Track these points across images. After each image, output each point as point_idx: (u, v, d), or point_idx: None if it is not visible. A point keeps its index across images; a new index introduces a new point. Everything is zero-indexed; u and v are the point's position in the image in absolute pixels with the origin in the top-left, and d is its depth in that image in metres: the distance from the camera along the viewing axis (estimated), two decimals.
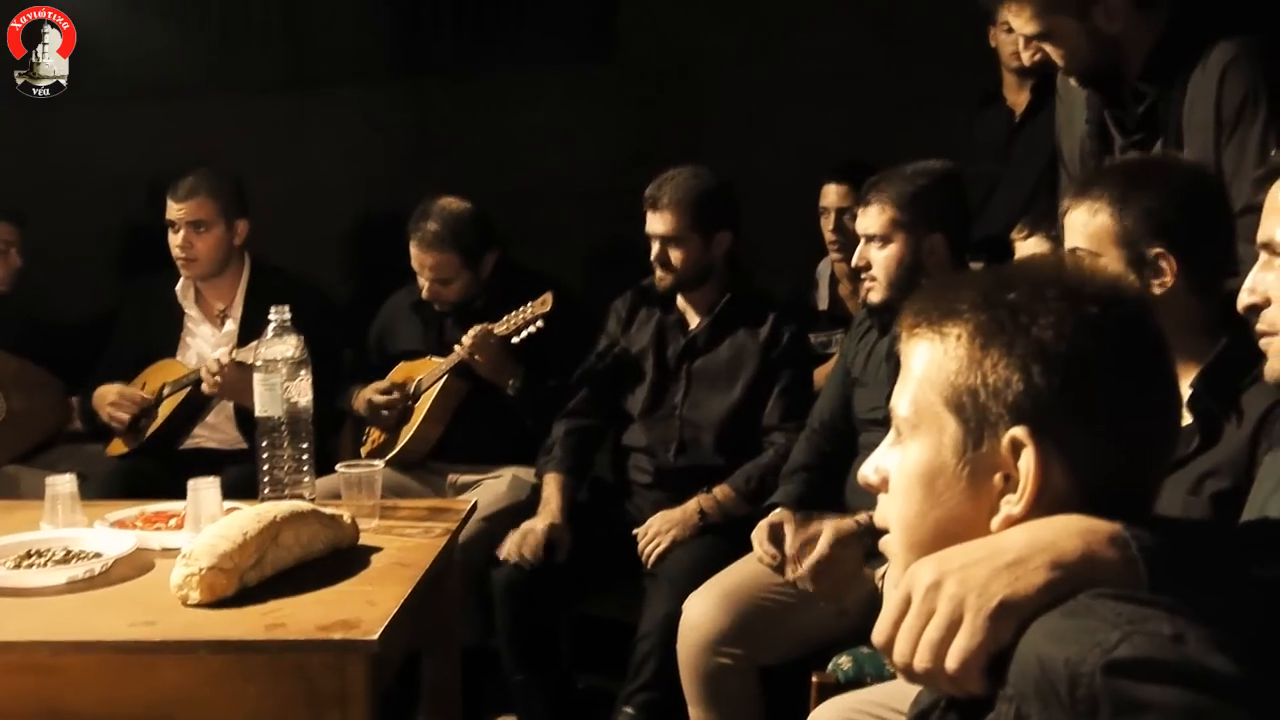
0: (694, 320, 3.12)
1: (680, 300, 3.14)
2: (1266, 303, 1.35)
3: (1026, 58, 2.99)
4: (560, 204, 4.20)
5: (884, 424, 2.61)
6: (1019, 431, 0.98)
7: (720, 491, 2.93)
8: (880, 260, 2.63)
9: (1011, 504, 0.99)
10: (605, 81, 4.32)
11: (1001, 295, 1.02)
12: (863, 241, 2.66)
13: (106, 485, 3.08)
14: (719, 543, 2.82)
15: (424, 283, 3.29)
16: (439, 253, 3.24)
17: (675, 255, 3.01)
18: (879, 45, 4.11)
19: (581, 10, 4.36)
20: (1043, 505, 0.98)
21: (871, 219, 2.63)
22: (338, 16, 4.31)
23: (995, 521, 1.00)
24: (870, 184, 2.68)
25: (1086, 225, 1.85)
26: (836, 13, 4.18)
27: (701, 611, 2.54)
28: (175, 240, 3.40)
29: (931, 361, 1.04)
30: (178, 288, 3.50)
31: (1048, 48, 2.30)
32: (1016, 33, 2.48)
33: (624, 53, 4.35)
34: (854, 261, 2.70)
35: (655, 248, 3.03)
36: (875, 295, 2.65)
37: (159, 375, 3.44)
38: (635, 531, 2.93)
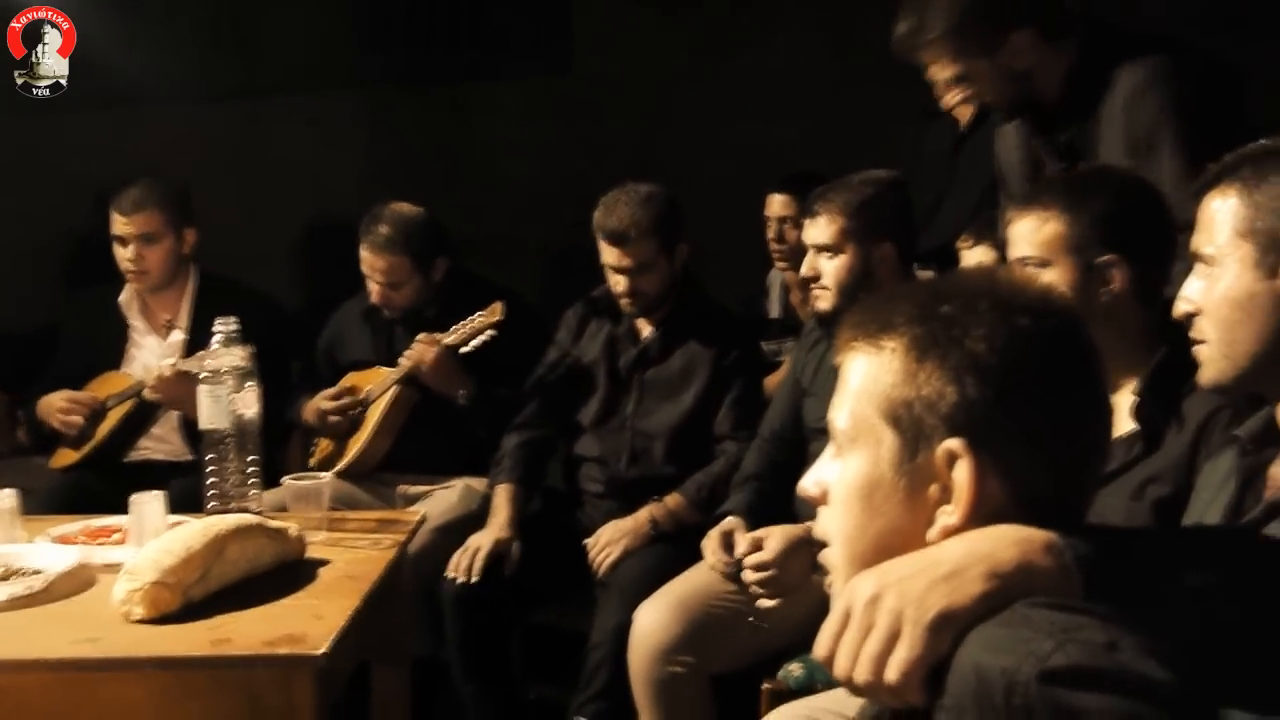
0: (645, 330, 3.12)
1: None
2: (1199, 311, 1.38)
3: (949, 100, 3.00)
4: (515, 215, 4.20)
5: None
6: (954, 443, 0.99)
7: (672, 500, 2.94)
8: (831, 270, 2.64)
9: (948, 515, 1.00)
10: (560, 94, 4.33)
11: (936, 308, 1.03)
12: (811, 252, 2.67)
13: (50, 500, 3.04)
14: (670, 551, 2.82)
15: (374, 287, 3.27)
16: (390, 256, 3.22)
17: (648, 283, 2.99)
18: (831, 60, 4.15)
19: (537, 22, 4.37)
20: (979, 516, 1.00)
21: (820, 229, 2.64)
22: (291, 25, 4.28)
23: (932, 532, 1.01)
24: (817, 194, 2.69)
25: (1036, 233, 1.87)
26: (789, 28, 4.21)
27: (653, 620, 2.54)
28: (125, 254, 3.36)
29: (868, 375, 1.05)
30: (121, 299, 3.46)
31: (966, 89, 2.36)
32: (934, 78, 2.49)
33: (579, 65, 4.36)
34: (803, 272, 2.71)
35: (624, 282, 2.98)
36: (825, 304, 2.67)
37: (104, 388, 3.40)
38: (586, 542, 2.93)
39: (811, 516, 2.44)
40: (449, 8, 4.33)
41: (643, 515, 2.92)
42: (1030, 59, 2.27)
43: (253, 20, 4.32)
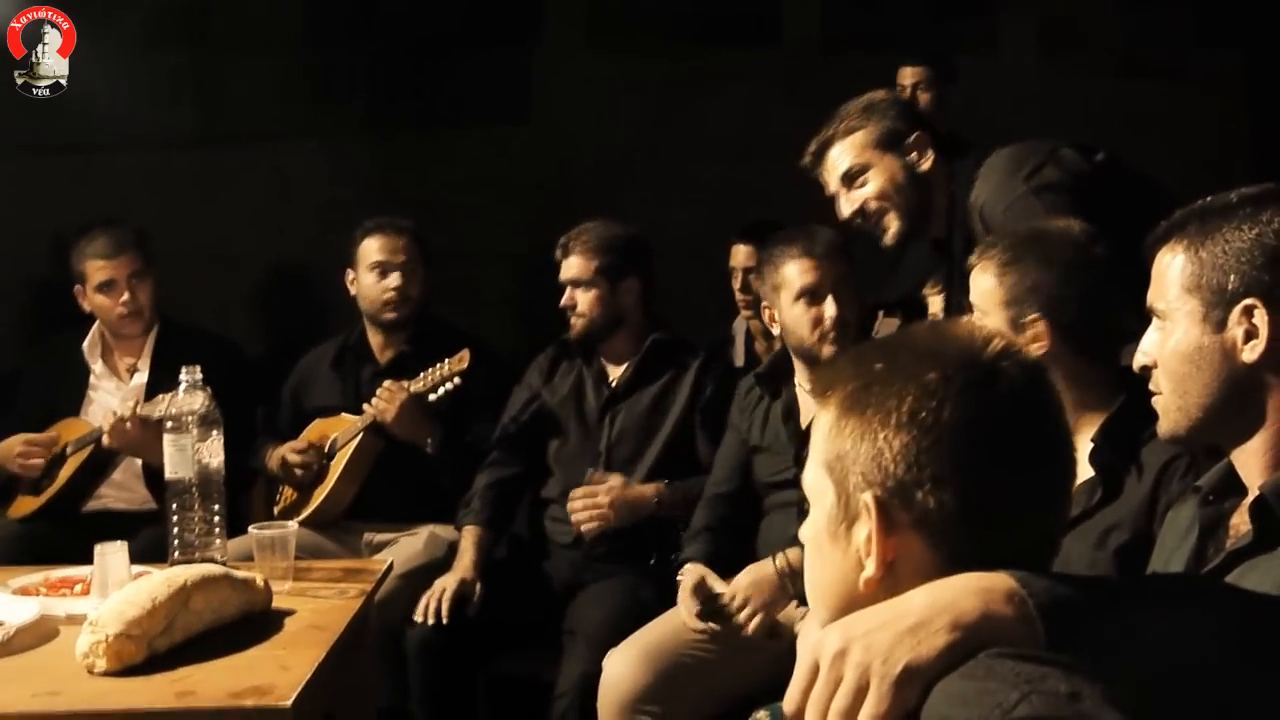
0: (615, 372, 3.14)
1: (601, 350, 3.16)
2: (1154, 364, 1.41)
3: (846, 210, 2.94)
4: (476, 263, 4.21)
5: (793, 484, 2.69)
6: (866, 497, 1.03)
7: (672, 487, 2.97)
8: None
9: (866, 569, 1.04)
10: (520, 142, 4.36)
11: (870, 365, 1.07)
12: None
13: (8, 550, 2.99)
14: (637, 599, 2.82)
15: (392, 280, 3.29)
16: (407, 236, 3.32)
17: (582, 300, 3.07)
18: (789, 108, 4.20)
19: (496, 71, 4.40)
20: (905, 570, 1.03)
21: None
22: (250, 73, 4.29)
23: (859, 582, 1.04)
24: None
25: (977, 285, 1.98)
26: (746, 75, 4.27)
27: (620, 670, 2.53)
28: (116, 299, 3.34)
29: (818, 430, 1.10)
30: (84, 344, 3.43)
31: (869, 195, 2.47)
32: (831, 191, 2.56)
33: (538, 114, 4.40)
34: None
35: (565, 294, 3.09)
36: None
37: (65, 434, 3.36)
38: (574, 493, 2.95)
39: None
40: (409, 57, 4.36)
41: (649, 490, 2.96)
42: (929, 163, 2.42)
43: (213, 68, 4.33)
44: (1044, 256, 1.94)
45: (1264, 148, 4.47)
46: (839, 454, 1.06)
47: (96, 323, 3.46)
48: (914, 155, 2.44)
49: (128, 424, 3.08)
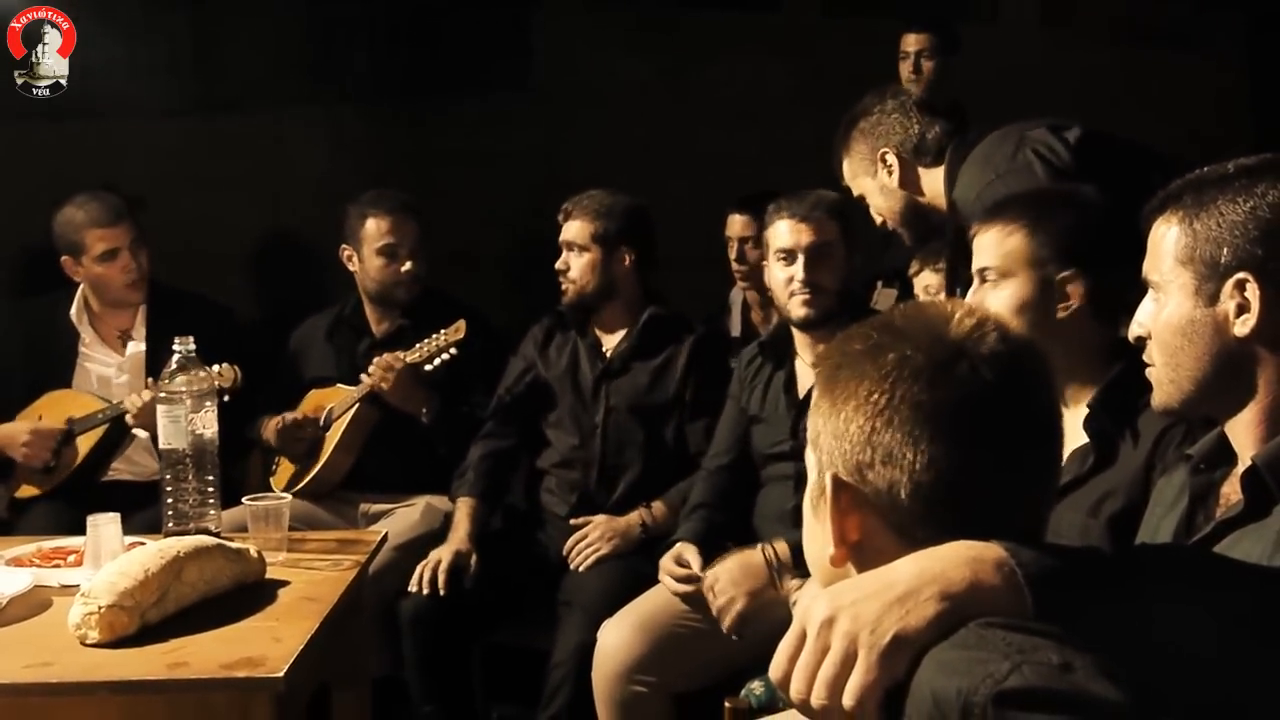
0: (610, 342, 3.13)
1: (597, 323, 3.16)
2: (1149, 335, 1.40)
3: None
4: (475, 230, 4.19)
5: (789, 457, 2.68)
6: (827, 476, 1.06)
7: (656, 507, 2.97)
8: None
9: (828, 545, 1.06)
10: (520, 109, 4.33)
11: (850, 344, 1.08)
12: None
13: (28, 527, 2.99)
14: (632, 569, 2.82)
15: (406, 266, 3.28)
16: (415, 219, 3.31)
17: (575, 264, 3.06)
18: (788, 78, 4.18)
19: (497, 38, 4.37)
20: (868, 548, 1.05)
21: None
22: (249, 40, 4.26)
23: (826, 558, 1.07)
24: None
25: (1000, 245, 1.90)
26: (746, 45, 4.24)
27: (616, 639, 2.54)
28: (120, 267, 3.30)
29: (813, 405, 1.12)
30: (72, 312, 3.39)
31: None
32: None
33: (539, 81, 4.37)
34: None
35: (562, 256, 3.09)
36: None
37: (57, 407, 3.32)
38: (568, 545, 2.92)
39: (773, 537, 2.51)
40: (409, 23, 4.33)
41: (634, 518, 2.95)
42: (895, 176, 2.49)
43: (212, 35, 4.29)
44: (1080, 211, 1.89)
45: (1264, 115, 4.44)
46: (817, 432, 1.09)
47: (80, 289, 3.40)
48: (885, 174, 2.52)
49: (149, 405, 3.01)
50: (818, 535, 1.10)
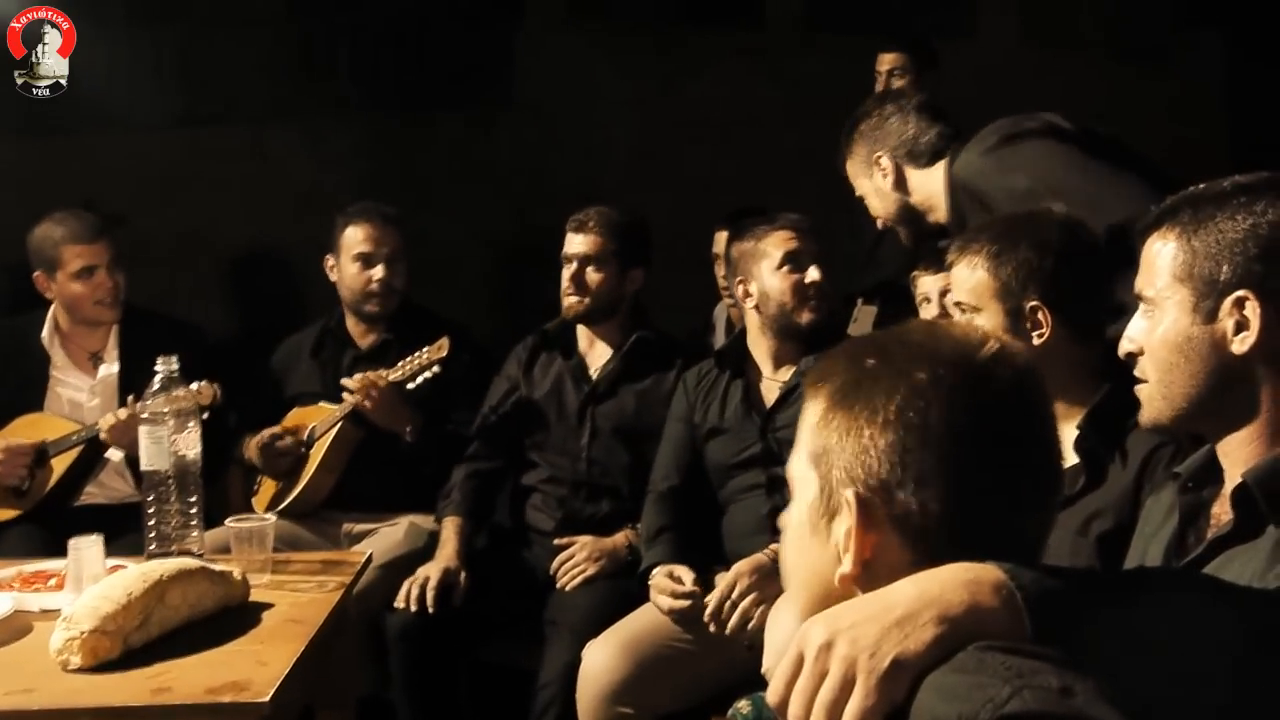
0: (596, 364, 3.12)
1: (582, 343, 3.14)
2: (1141, 351, 1.40)
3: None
4: (459, 244, 4.19)
5: (756, 462, 2.69)
6: (848, 493, 1.03)
7: (635, 532, 2.94)
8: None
9: (843, 564, 1.03)
10: (504, 123, 4.33)
11: (862, 360, 1.06)
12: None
13: (1, 552, 2.93)
14: (619, 589, 2.81)
15: (377, 272, 3.25)
16: (393, 227, 3.28)
17: (593, 277, 3.03)
18: (771, 94, 4.20)
19: (480, 53, 4.37)
20: (882, 566, 1.02)
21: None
22: (232, 53, 4.24)
23: (835, 577, 1.04)
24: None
25: (967, 281, 1.94)
26: (729, 61, 4.26)
27: (601, 661, 2.52)
28: (96, 285, 3.24)
29: (805, 421, 1.09)
30: (44, 334, 3.33)
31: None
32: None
33: (521, 95, 4.37)
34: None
35: (573, 268, 3.04)
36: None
37: (30, 431, 3.24)
38: (554, 566, 2.91)
39: (743, 555, 2.52)
40: (393, 37, 4.32)
41: (620, 539, 2.94)
42: (891, 179, 2.56)
43: (195, 49, 4.28)
44: (1037, 241, 1.92)
45: (1240, 131, 4.48)
46: (825, 447, 1.06)
47: (51, 309, 3.34)
48: (880, 177, 2.58)
49: (125, 423, 2.95)
50: (813, 555, 1.07)
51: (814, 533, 1.07)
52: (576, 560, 2.90)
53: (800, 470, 1.09)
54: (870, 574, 1.02)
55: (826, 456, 1.05)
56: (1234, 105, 4.57)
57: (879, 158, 2.57)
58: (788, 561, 1.12)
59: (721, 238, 3.71)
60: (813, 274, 2.71)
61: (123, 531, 2.68)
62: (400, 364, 3.07)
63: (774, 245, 2.73)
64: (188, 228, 4.08)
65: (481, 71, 4.38)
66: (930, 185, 2.52)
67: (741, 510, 2.74)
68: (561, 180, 4.12)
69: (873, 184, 2.60)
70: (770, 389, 2.78)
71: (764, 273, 2.73)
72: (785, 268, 2.71)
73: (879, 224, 2.71)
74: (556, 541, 2.98)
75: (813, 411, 1.08)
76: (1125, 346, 1.43)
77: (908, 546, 1.02)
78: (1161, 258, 1.36)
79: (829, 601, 1.03)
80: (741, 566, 2.54)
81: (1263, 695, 1.01)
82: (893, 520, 1.02)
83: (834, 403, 1.06)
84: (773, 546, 2.51)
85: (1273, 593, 1.13)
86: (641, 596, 2.68)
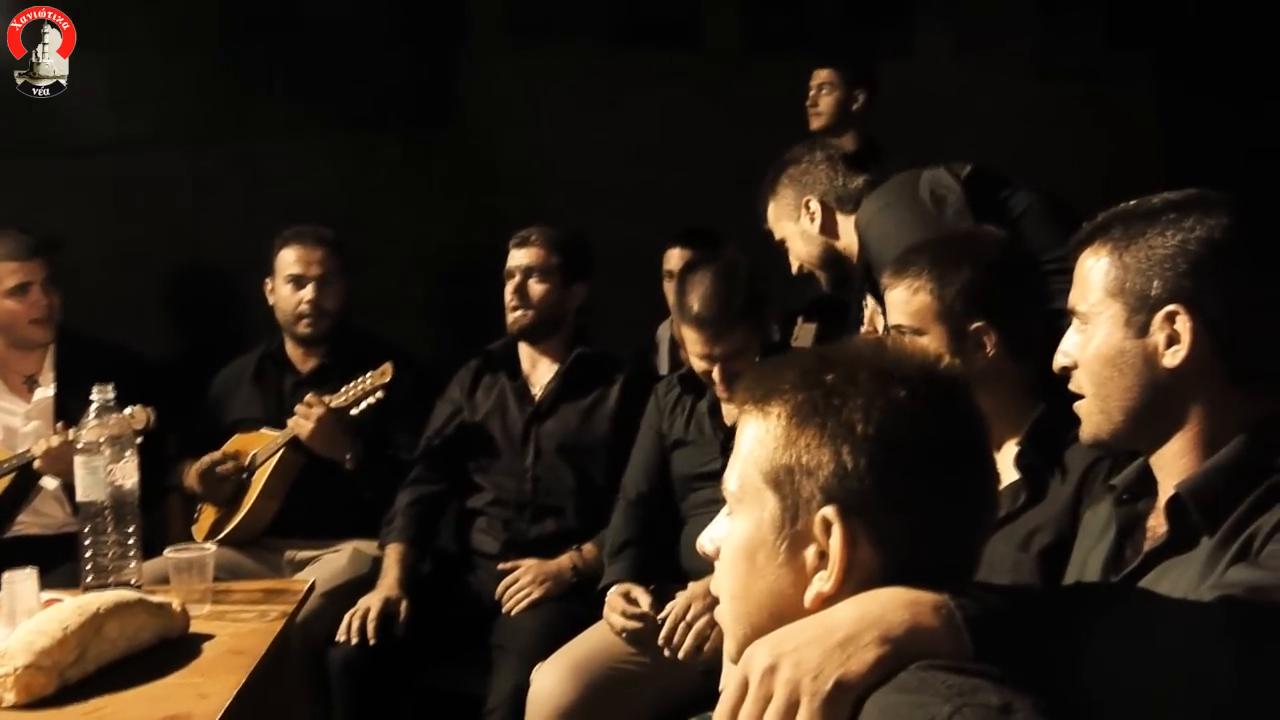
0: (539, 383, 3.11)
1: (525, 363, 3.14)
2: (1075, 365, 1.42)
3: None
4: (399, 267, 4.16)
5: (716, 475, 2.69)
6: (829, 511, 1.02)
7: (587, 550, 2.95)
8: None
9: (822, 580, 1.03)
10: (446, 144, 4.32)
11: (820, 376, 1.05)
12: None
13: None
14: (566, 611, 2.80)
15: (306, 293, 3.23)
16: (325, 248, 3.26)
17: (536, 289, 3.04)
18: (711, 114, 4.23)
19: (419, 72, 4.36)
20: (852, 582, 1.02)
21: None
22: (167, 77, 4.20)
23: (808, 596, 1.03)
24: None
25: (908, 304, 1.93)
26: (670, 81, 4.28)
27: (550, 684, 2.51)
28: (30, 303, 3.21)
29: (756, 439, 1.07)
30: None
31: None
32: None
33: (464, 115, 4.36)
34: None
35: (515, 281, 3.04)
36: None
37: None
38: (502, 583, 2.89)
39: (700, 571, 2.50)
40: (333, 59, 4.30)
41: (565, 562, 2.93)
42: (818, 223, 2.61)
43: (129, 72, 4.23)
44: (979, 262, 1.93)
45: (1171, 149, 4.58)
46: (788, 465, 1.04)
47: None
48: (807, 221, 2.63)
49: (60, 450, 2.88)
50: (769, 576, 1.06)
51: (770, 555, 1.05)
52: (521, 584, 2.89)
53: (749, 490, 1.07)
54: (844, 592, 1.02)
55: (791, 475, 1.04)
56: (1164, 123, 4.67)
57: (808, 201, 2.62)
58: (734, 586, 1.09)
59: (673, 255, 3.73)
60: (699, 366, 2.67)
61: (58, 561, 2.64)
62: (343, 390, 3.04)
63: (680, 332, 2.74)
64: (125, 252, 4.02)
65: (422, 92, 4.36)
66: (855, 231, 2.57)
67: (699, 524, 2.72)
68: (504, 201, 4.12)
69: (799, 227, 2.65)
70: (732, 409, 2.78)
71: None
72: (682, 353, 2.75)
73: (795, 269, 2.74)
74: (501, 566, 2.96)
75: (765, 429, 1.06)
76: (1059, 361, 1.45)
77: (881, 558, 1.02)
78: (1094, 273, 1.38)
79: (782, 623, 1.03)
80: (696, 589, 2.53)
81: (1198, 707, 1.02)
82: (869, 534, 1.02)
83: (800, 420, 1.04)
84: None
85: (1204, 605, 1.14)
86: (590, 617, 2.67)
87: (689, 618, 2.50)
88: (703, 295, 2.58)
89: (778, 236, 2.71)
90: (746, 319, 2.60)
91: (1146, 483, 1.42)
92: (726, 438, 2.73)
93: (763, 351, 2.64)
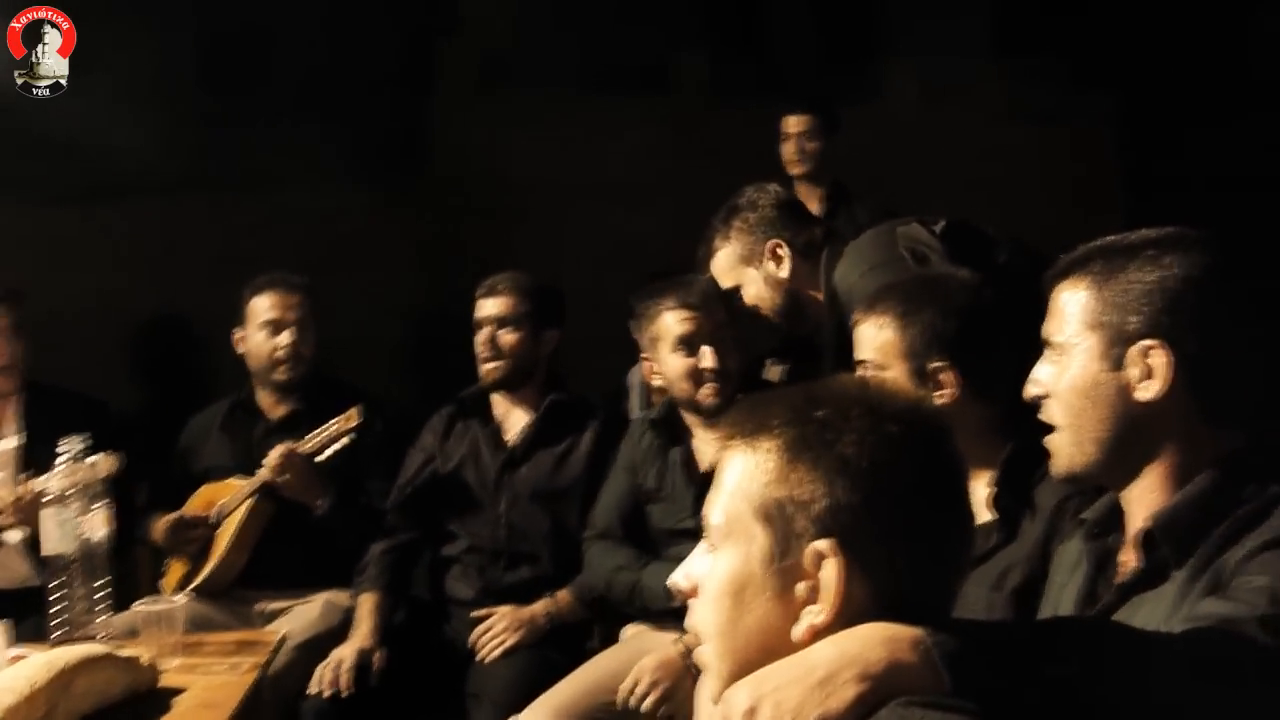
0: (513, 430, 3.10)
1: (498, 410, 3.13)
2: (1048, 394, 1.43)
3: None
4: (373, 317, 4.16)
5: (691, 534, 2.66)
6: (823, 544, 1.02)
7: (561, 596, 2.93)
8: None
9: (814, 614, 1.03)
10: (416, 193, 4.33)
11: (810, 412, 1.06)
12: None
13: None
14: (541, 658, 2.78)
15: (283, 338, 3.20)
16: (300, 293, 3.24)
17: (507, 339, 3.03)
18: (679, 159, 4.26)
19: (389, 120, 4.38)
20: (844, 615, 1.02)
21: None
22: (134, 126, 4.19)
23: (797, 630, 1.03)
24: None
25: (874, 340, 1.96)
26: (638, 123, 4.31)
27: None
28: None
29: (744, 473, 1.07)
30: None
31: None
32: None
33: (435, 163, 4.38)
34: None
35: (486, 332, 3.03)
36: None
37: None
38: (472, 637, 2.86)
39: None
40: (301, 107, 4.31)
41: (539, 608, 2.91)
42: (786, 269, 2.54)
43: (100, 121, 4.22)
44: (944, 303, 1.95)
45: (1135, 191, 4.65)
46: (779, 499, 1.05)
47: None
48: (770, 265, 2.56)
49: (27, 502, 2.83)
50: (759, 611, 1.05)
51: (758, 589, 1.05)
52: (495, 631, 2.87)
53: (736, 524, 1.07)
54: (837, 625, 1.02)
55: (782, 509, 1.04)
56: (1128, 163, 4.74)
57: (776, 246, 2.55)
58: (719, 620, 1.08)
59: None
60: (706, 360, 2.63)
61: (25, 614, 2.60)
62: (311, 435, 3.02)
63: (669, 326, 2.67)
64: (92, 302, 4.00)
65: (393, 141, 4.38)
66: (818, 277, 2.52)
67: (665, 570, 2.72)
68: (475, 249, 4.13)
69: (761, 272, 2.56)
70: (706, 451, 2.72)
71: (663, 355, 2.69)
72: (680, 351, 2.65)
73: (750, 314, 2.64)
74: (474, 613, 2.94)
75: (755, 463, 1.07)
76: (1031, 390, 1.46)
77: (872, 592, 1.03)
78: (1071, 305, 1.40)
79: (770, 658, 1.03)
80: (646, 664, 2.50)
81: None
82: (862, 567, 1.02)
83: (792, 454, 1.05)
84: (685, 638, 2.47)
85: (1177, 638, 1.15)
86: (567, 664, 2.65)
87: (639, 691, 2.47)
88: (684, 283, 2.69)
89: (729, 283, 2.62)
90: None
91: (1116, 517, 1.43)
92: (698, 493, 2.70)
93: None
